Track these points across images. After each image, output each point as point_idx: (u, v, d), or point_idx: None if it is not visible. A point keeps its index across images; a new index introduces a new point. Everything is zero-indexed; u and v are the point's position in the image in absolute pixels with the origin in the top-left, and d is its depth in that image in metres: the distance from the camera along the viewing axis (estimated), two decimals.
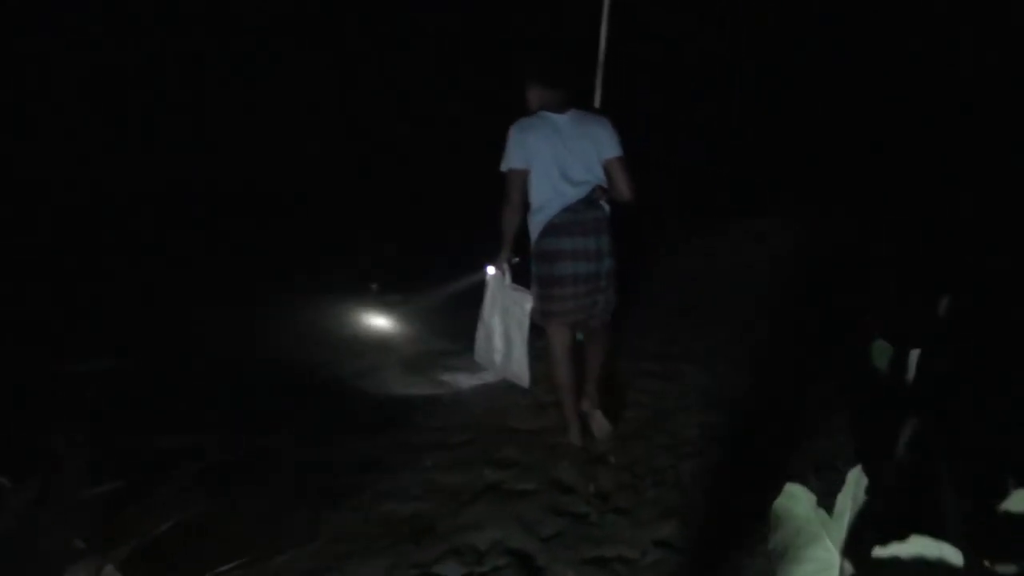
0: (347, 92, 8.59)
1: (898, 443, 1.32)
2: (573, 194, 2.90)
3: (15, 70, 6.49)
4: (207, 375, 3.93)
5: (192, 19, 7.86)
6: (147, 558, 2.57)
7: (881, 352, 1.78)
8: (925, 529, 0.88)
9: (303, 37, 8.67)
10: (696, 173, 9.58)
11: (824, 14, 11.44)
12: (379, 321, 5.02)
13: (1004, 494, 1.04)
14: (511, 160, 2.90)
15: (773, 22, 11.50)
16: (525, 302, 3.04)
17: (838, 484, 1.11)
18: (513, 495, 2.83)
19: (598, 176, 2.95)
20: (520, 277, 3.12)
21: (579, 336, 3.24)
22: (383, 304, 5.19)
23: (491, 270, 3.13)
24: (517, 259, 3.09)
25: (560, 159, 2.88)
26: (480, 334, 3.28)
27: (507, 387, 3.57)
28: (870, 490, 1.04)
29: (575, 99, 3.02)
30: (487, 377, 3.84)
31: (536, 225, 2.95)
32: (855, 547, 1.03)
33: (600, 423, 3.28)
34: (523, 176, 2.90)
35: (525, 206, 2.96)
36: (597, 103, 3.49)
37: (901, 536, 0.87)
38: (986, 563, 1.01)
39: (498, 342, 3.19)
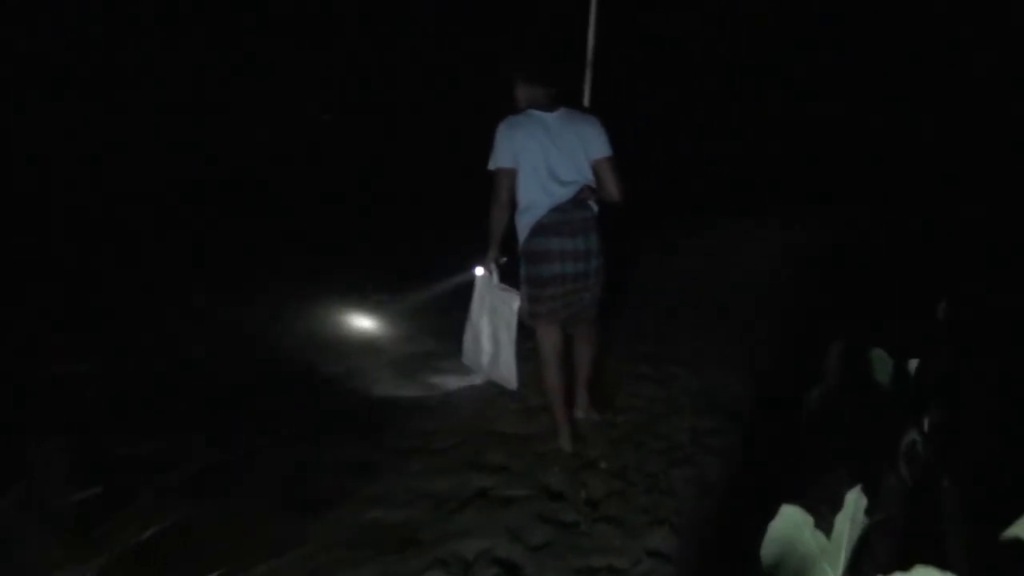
0: (341, 91, 8.55)
1: (899, 459, 1.25)
2: (561, 194, 2.85)
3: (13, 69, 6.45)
4: (191, 377, 3.87)
5: (192, 19, 7.83)
6: (128, 567, 2.52)
7: (880, 362, 1.72)
8: (927, 557, 0.81)
9: (303, 37, 8.65)
10: (696, 173, 9.54)
11: (824, 14, 11.41)
12: (367, 322, 4.95)
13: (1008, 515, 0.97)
14: (499, 159, 2.84)
15: (773, 22, 11.47)
16: (513, 302, 2.99)
17: (836, 504, 1.04)
18: (502, 502, 2.76)
19: (587, 176, 2.90)
20: (508, 277, 3.05)
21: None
22: (371, 304, 5.11)
23: (479, 270, 3.06)
24: (505, 259, 3.02)
25: (549, 158, 2.83)
26: (468, 336, 3.22)
27: (496, 390, 3.50)
28: (870, 511, 0.97)
29: (564, 98, 2.97)
30: (476, 379, 3.77)
31: (524, 225, 2.90)
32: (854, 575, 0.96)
33: (589, 412, 3.30)
34: (511, 175, 2.84)
35: (513, 205, 2.90)
36: (586, 102, 3.43)
37: (903, 566, 0.80)
38: None
39: (486, 343, 3.13)
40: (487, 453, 3.14)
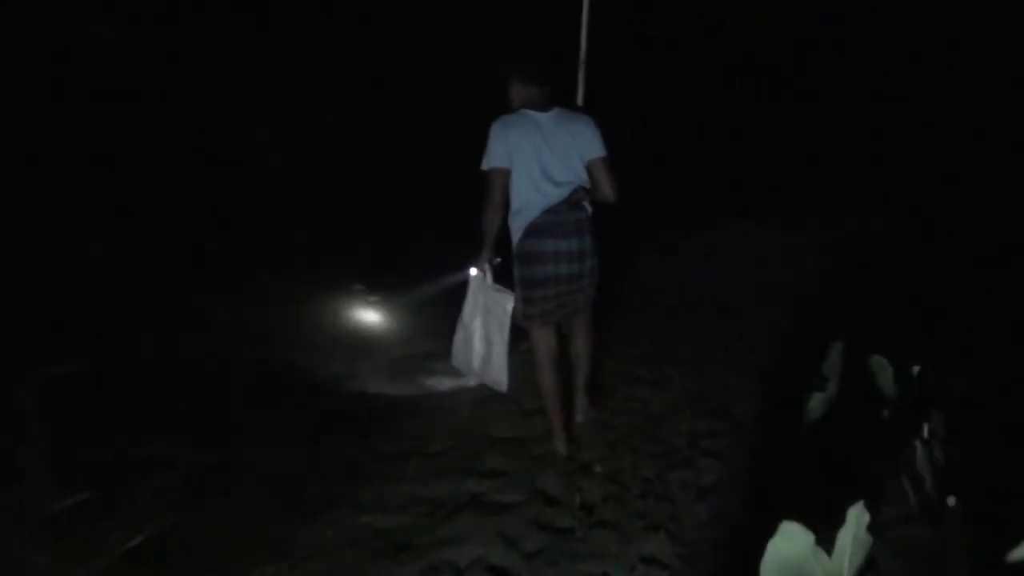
0: (339, 91, 8.53)
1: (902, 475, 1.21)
2: (555, 195, 2.81)
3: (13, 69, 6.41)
4: (180, 379, 3.82)
5: (192, 19, 7.81)
6: (120, 572, 2.49)
7: (880, 368, 1.68)
8: None
9: (302, 37, 8.62)
10: (695, 173, 9.52)
11: (824, 14, 11.38)
12: (360, 322, 4.91)
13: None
14: (492, 159, 2.80)
15: (773, 22, 11.45)
16: (507, 303, 2.95)
17: (838, 519, 1.00)
18: (496, 507, 2.72)
19: (580, 176, 2.87)
20: (502, 278, 3.01)
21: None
22: (364, 305, 5.07)
23: (473, 271, 3.02)
24: (499, 260, 2.98)
25: (542, 158, 2.79)
26: (459, 337, 3.17)
27: (491, 392, 3.45)
28: (872, 528, 0.92)
29: (558, 97, 2.93)
30: (470, 382, 3.72)
31: (517, 226, 2.87)
32: None
33: (588, 412, 3.29)
34: (505, 175, 2.80)
35: (506, 206, 2.86)
36: (580, 101, 3.39)
37: None
38: None
39: (478, 345, 3.08)
40: (482, 457, 3.10)
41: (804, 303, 5.14)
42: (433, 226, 6.23)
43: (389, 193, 7.30)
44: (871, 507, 1.01)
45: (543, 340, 2.98)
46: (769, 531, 2.35)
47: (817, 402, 1.93)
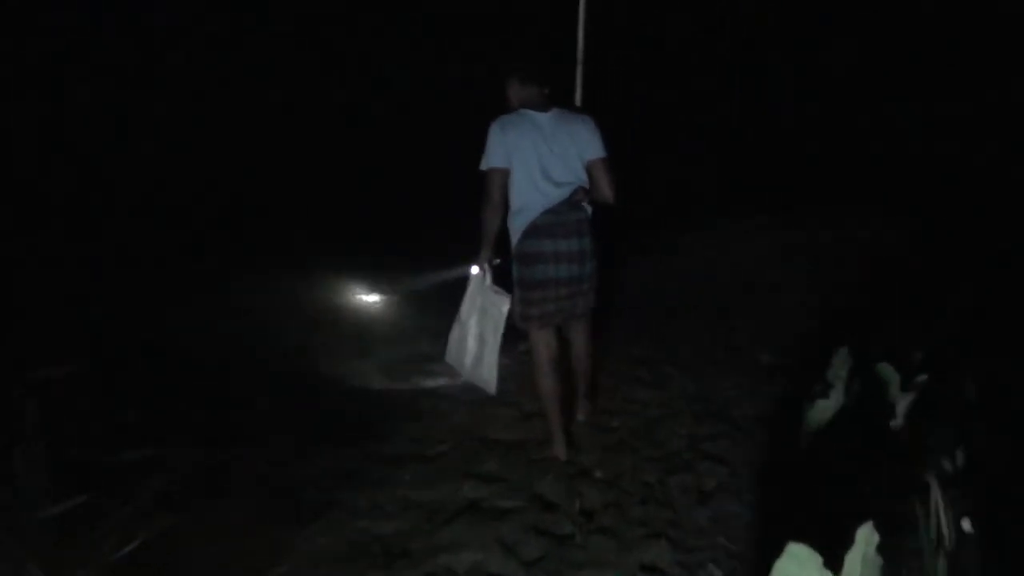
0: (336, 89, 8.51)
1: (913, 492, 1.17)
2: (556, 195, 2.79)
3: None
4: (178, 380, 3.78)
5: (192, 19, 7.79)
6: None
7: (887, 376, 1.64)
8: None
9: (299, 37, 8.60)
10: (695, 173, 9.50)
11: (824, 14, 11.36)
12: (359, 323, 4.87)
13: None
14: (492, 159, 2.77)
15: (773, 22, 11.43)
16: (504, 305, 2.92)
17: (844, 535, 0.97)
18: (494, 513, 2.68)
19: (580, 177, 2.85)
20: (501, 280, 2.98)
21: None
22: (364, 305, 5.04)
23: (474, 269, 3.00)
24: (498, 261, 2.96)
25: (542, 159, 2.77)
26: (454, 334, 3.15)
27: (490, 396, 3.42)
28: (882, 550, 0.89)
29: (558, 97, 2.91)
30: (460, 380, 3.69)
31: (517, 227, 2.84)
32: None
33: (584, 409, 3.30)
34: (504, 175, 2.78)
35: (505, 206, 2.84)
36: (578, 101, 3.37)
37: None
38: None
39: (472, 344, 3.06)
40: (479, 461, 3.06)
41: (805, 303, 5.12)
42: (433, 226, 6.20)
43: (388, 193, 7.27)
44: (880, 528, 0.97)
45: (542, 342, 2.95)
46: (772, 541, 2.32)
47: (820, 410, 1.89)
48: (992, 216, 6.91)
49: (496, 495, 2.79)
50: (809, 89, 11.28)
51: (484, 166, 2.80)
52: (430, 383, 3.95)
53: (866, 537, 0.94)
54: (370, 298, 5.14)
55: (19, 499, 2.78)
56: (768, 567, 0.99)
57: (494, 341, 2.96)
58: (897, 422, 1.60)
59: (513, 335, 3.04)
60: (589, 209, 2.91)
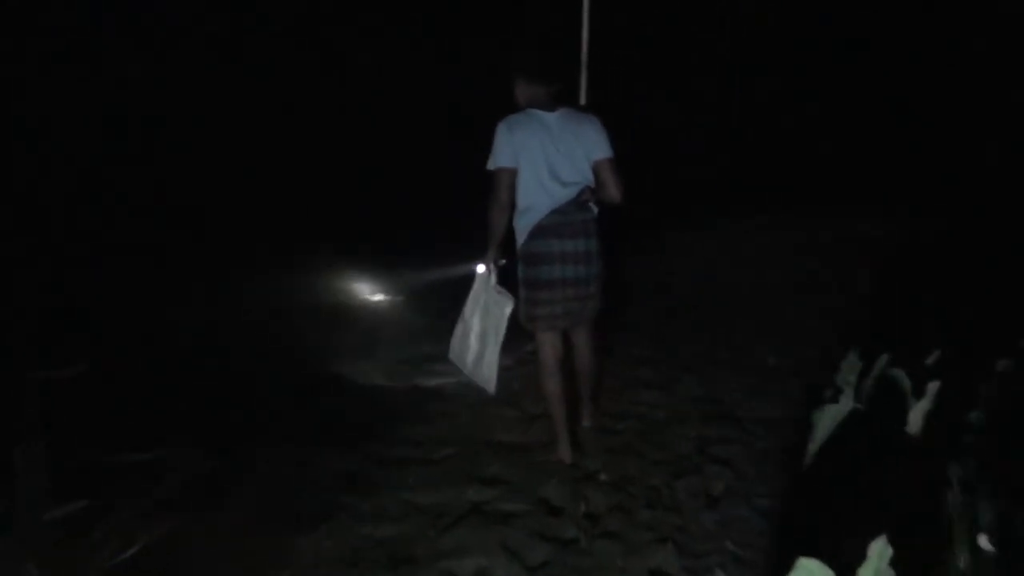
0: (338, 86, 8.49)
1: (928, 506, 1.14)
2: (563, 195, 2.77)
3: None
4: (178, 381, 3.75)
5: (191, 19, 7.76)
6: None
7: (900, 381, 1.62)
8: None
9: (299, 37, 8.58)
10: (695, 173, 9.49)
11: (824, 14, 11.35)
12: (361, 323, 4.84)
13: None
14: (499, 158, 2.75)
15: (773, 22, 11.43)
16: (506, 305, 2.90)
17: (859, 551, 0.94)
18: (498, 517, 2.65)
19: (587, 177, 2.83)
20: (505, 281, 2.96)
21: None
22: (366, 305, 5.01)
23: (480, 268, 2.98)
24: (504, 261, 2.94)
25: (549, 158, 2.75)
26: (458, 331, 3.13)
27: (495, 398, 3.40)
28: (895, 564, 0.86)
29: (565, 97, 2.89)
30: (463, 378, 3.67)
31: (523, 227, 2.82)
32: None
33: (589, 413, 3.27)
34: (511, 174, 2.75)
35: (512, 206, 2.82)
36: (583, 101, 3.35)
37: None
38: None
39: (474, 342, 3.04)
40: (484, 464, 3.03)
41: (808, 304, 5.11)
42: (433, 226, 6.18)
43: (389, 193, 7.25)
44: (894, 542, 0.95)
45: (548, 343, 2.93)
46: (780, 550, 2.29)
47: (830, 415, 1.86)
48: (993, 216, 6.90)
49: (500, 499, 2.77)
50: (809, 89, 11.28)
51: (491, 165, 2.78)
52: (433, 384, 3.92)
53: (880, 551, 0.91)
54: (372, 298, 5.11)
55: (20, 501, 2.76)
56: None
57: (495, 341, 2.94)
58: (911, 429, 1.57)
59: (518, 336, 3.01)
60: (596, 209, 2.89)
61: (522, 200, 2.79)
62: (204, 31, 7.89)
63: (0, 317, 4.34)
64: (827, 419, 2.02)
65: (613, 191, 2.83)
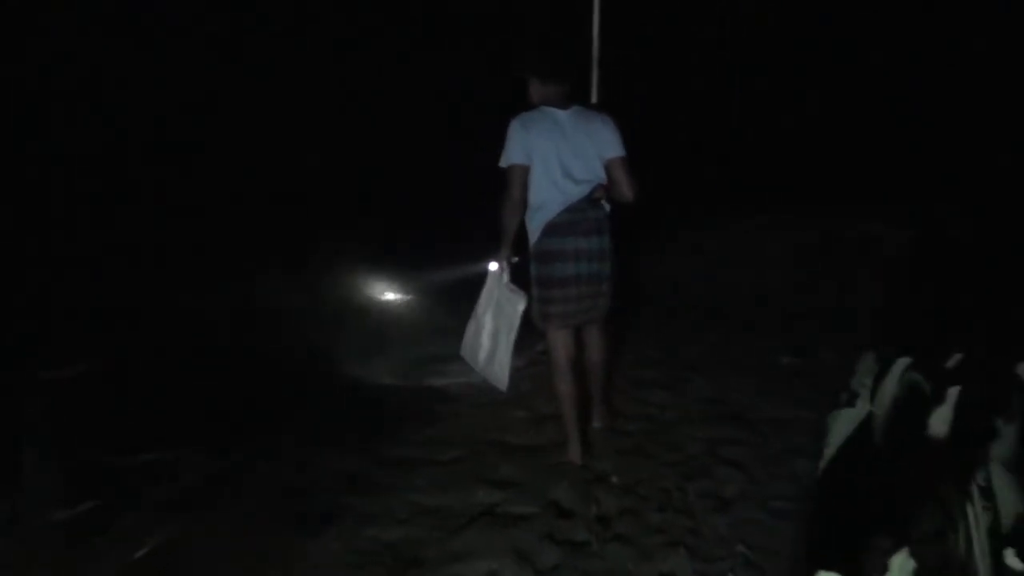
0: (338, 86, 8.46)
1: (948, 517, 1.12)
2: (575, 192, 2.77)
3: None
4: (181, 381, 3.73)
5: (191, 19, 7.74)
6: None
7: (917, 385, 1.60)
8: None
9: (299, 37, 8.56)
10: (695, 173, 9.47)
11: (824, 14, 11.35)
12: (366, 322, 4.81)
13: None
14: (512, 155, 2.75)
15: (773, 22, 11.42)
16: (519, 303, 2.89)
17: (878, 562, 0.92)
18: (508, 520, 2.63)
19: (600, 175, 2.83)
20: (518, 279, 2.95)
21: None
22: (371, 304, 4.98)
23: (493, 265, 2.97)
24: (517, 258, 2.93)
25: (562, 156, 2.75)
26: (470, 329, 3.12)
27: (503, 397, 3.39)
28: None
29: (577, 95, 2.88)
30: (474, 377, 3.65)
31: (536, 224, 2.81)
32: None
33: (600, 415, 3.25)
34: (524, 172, 2.75)
35: (525, 203, 2.81)
36: (594, 99, 3.34)
37: None
38: None
39: (486, 340, 3.03)
40: (493, 465, 3.01)
41: (810, 303, 5.09)
42: (433, 226, 6.16)
43: (389, 193, 7.23)
44: (915, 555, 0.92)
45: (561, 342, 2.92)
46: (796, 553, 2.26)
47: (846, 420, 1.84)
48: (994, 216, 6.90)
49: (510, 501, 2.74)
50: (809, 89, 11.27)
51: (504, 163, 2.78)
52: (442, 384, 3.90)
53: (901, 564, 0.89)
54: (378, 298, 5.08)
55: (25, 505, 2.74)
56: None
57: (508, 339, 2.93)
58: (931, 435, 1.55)
59: (529, 335, 3.00)
60: (608, 207, 2.89)
61: (535, 197, 2.79)
62: (204, 31, 7.86)
63: (1, 317, 4.32)
64: (843, 423, 2.00)
65: (626, 190, 2.83)
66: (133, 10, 7.28)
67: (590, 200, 2.80)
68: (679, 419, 3.40)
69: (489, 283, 3.03)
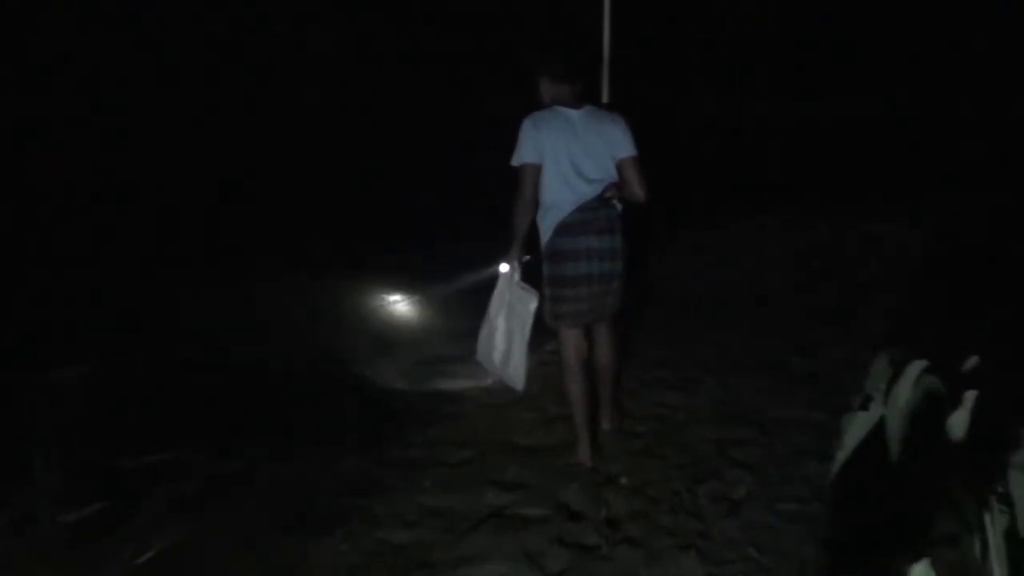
0: (338, 86, 8.46)
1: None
2: (587, 192, 2.76)
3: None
4: (188, 383, 3.72)
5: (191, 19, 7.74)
6: None
7: (933, 389, 1.58)
8: None
9: (299, 37, 8.56)
10: (696, 173, 9.46)
11: (824, 14, 11.36)
12: (374, 324, 4.80)
13: None
14: (524, 154, 2.74)
15: (773, 22, 11.42)
16: (531, 302, 2.88)
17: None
18: (518, 522, 2.61)
19: (611, 174, 2.82)
20: (530, 277, 2.94)
21: None
22: (378, 306, 4.97)
23: (504, 266, 2.95)
24: (528, 258, 2.92)
25: (574, 155, 2.74)
26: (483, 331, 3.09)
27: (512, 398, 3.38)
28: None
29: (589, 95, 2.88)
30: (487, 381, 3.63)
31: (548, 224, 2.81)
32: None
33: (610, 417, 3.23)
34: (536, 171, 2.74)
35: (537, 202, 2.80)
36: (604, 99, 3.34)
37: None
38: None
39: (499, 341, 3.01)
40: (502, 467, 3.00)
41: (815, 304, 5.08)
42: (434, 226, 6.15)
43: (389, 193, 7.22)
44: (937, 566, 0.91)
45: (572, 342, 2.92)
46: (807, 557, 2.25)
47: (860, 423, 1.82)
48: (994, 216, 6.90)
49: (519, 503, 2.73)
50: (809, 89, 11.28)
51: (516, 162, 2.77)
52: (450, 386, 3.89)
53: (922, 574, 0.88)
54: (388, 299, 5.07)
55: (33, 506, 2.73)
56: None
57: (521, 339, 2.92)
58: (948, 439, 1.53)
59: (539, 335, 2.98)
60: (620, 206, 2.89)
61: (546, 197, 2.78)
62: (204, 31, 7.85)
63: (3, 318, 4.30)
64: (856, 427, 1.98)
65: (637, 190, 2.82)
66: (133, 10, 7.27)
67: (602, 199, 2.79)
68: (688, 420, 3.38)
69: (500, 285, 3.01)
